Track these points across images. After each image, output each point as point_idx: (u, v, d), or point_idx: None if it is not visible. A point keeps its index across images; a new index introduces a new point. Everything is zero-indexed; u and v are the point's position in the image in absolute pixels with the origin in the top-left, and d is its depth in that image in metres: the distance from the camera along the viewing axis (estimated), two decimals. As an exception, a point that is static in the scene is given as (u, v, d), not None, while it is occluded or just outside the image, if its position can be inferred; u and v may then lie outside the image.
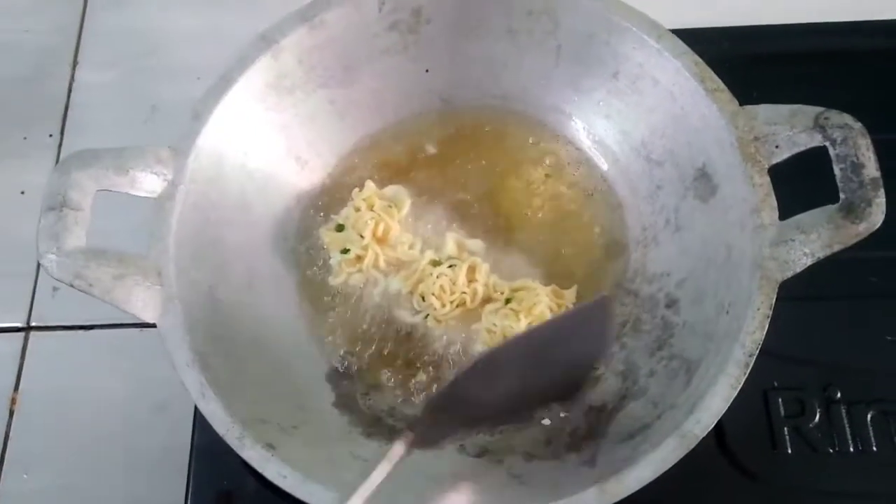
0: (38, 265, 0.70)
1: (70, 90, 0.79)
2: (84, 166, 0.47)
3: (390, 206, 0.55)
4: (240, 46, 0.55)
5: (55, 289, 0.69)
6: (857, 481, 0.53)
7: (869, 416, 0.54)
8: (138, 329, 0.67)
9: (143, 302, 0.46)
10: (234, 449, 0.44)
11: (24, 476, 0.62)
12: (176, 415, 0.61)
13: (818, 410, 0.55)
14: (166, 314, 0.46)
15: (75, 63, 0.81)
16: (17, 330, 0.67)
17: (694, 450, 0.43)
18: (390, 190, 0.57)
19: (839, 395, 0.55)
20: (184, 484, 0.56)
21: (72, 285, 0.45)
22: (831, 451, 0.54)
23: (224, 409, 0.44)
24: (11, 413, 0.64)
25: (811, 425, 0.54)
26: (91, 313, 0.67)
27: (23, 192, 0.73)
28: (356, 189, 0.57)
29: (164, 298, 0.46)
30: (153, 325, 0.65)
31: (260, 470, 0.43)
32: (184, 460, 0.57)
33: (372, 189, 0.56)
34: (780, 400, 0.55)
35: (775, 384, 0.55)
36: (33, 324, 0.68)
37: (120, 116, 0.75)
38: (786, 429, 0.54)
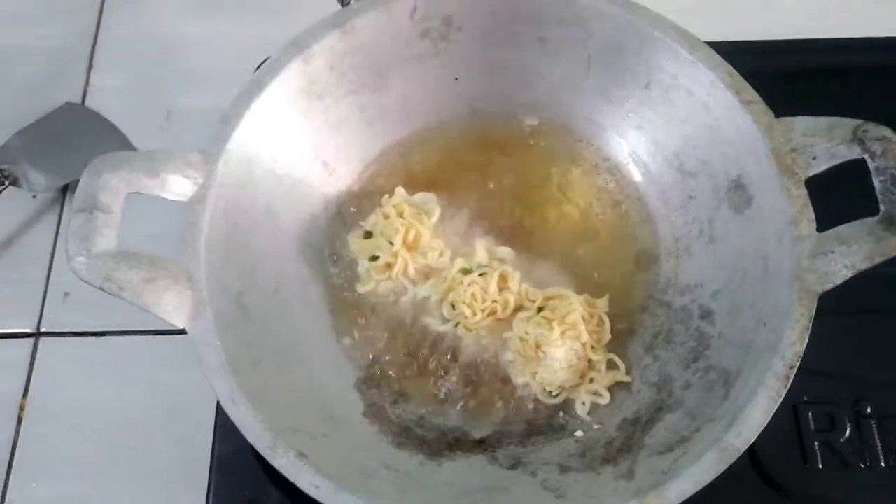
0: (49, 271, 0.70)
1: (85, 94, 0.78)
2: (115, 169, 0.47)
3: (420, 213, 0.55)
4: (271, 51, 0.55)
5: (66, 294, 0.68)
6: (888, 497, 0.53)
7: (900, 432, 0.54)
8: (151, 336, 0.66)
9: (173, 306, 0.45)
10: (266, 457, 0.43)
11: (33, 485, 0.61)
12: (189, 424, 0.60)
13: (849, 425, 0.54)
14: (197, 318, 0.45)
15: (90, 68, 0.80)
16: (27, 336, 0.66)
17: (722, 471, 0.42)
18: (420, 197, 0.57)
19: (869, 409, 0.55)
20: (197, 494, 0.55)
21: (102, 288, 0.45)
22: (862, 466, 0.53)
23: (255, 416, 0.43)
24: (20, 420, 0.63)
25: (842, 440, 0.54)
26: (103, 320, 0.66)
27: (34, 196, 0.72)
28: (386, 195, 0.57)
29: (195, 303, 0.46)
30: (166, 333, 0.66)
31: (292, 479, 0.42)
32: (197, 470, 0.57)
33: (402, 195, 0.56)
34: (810, 414, 0.55)
35: (805, 398, 0.55)
36: (43, 329, 0.67)
37: (135, 122, 0.74)
38: (816, 443, 0.54)
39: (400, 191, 0.57)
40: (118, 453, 0.61)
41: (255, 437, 0.43)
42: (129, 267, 0.45)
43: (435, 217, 0.56)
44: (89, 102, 0.78)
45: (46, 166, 0.71)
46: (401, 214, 0.54)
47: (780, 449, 0.53)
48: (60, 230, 0.71)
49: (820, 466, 0.53)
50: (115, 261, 0.45)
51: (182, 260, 0.47)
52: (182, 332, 0.64)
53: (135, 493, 0.60)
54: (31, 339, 0.66)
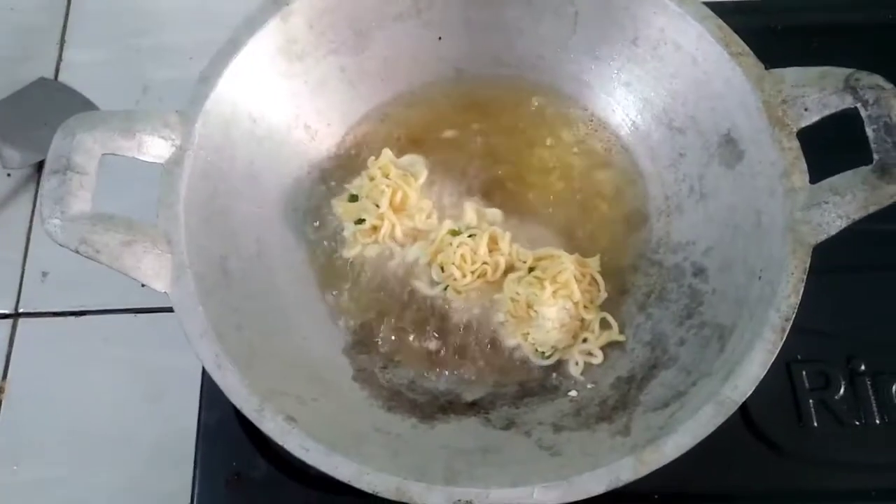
0: (26, 250, 0.68)
1: (58, 70, 0.77)
2: (89, 128, 0.45)
3: (406, 175, 0.54)
4: (249, 8, 0.53)
5: (44, 273, 0.67)
6: (884, 453, 0.52)
7: (894, 388, 0.54)
8: (132, 315, 0.65)
9: (153, 270, 0.44)
10: (254, 422, 0.42)
11: (14, 468, 0.59)
12: (173, 402, 0.60)
13: (843, 383, 0.54)
14: (178, 283, 0.44)
15: (63, 42, 0.78)
16: (5, 317, 0.65)
17: (719, 424, 0.41)
18: (407, 159, 0.56)
19: (863, 367, 0.55)
20: (184, 471, 0.54)
21: (77, 251, 0.43)
22: (857, 423, 0.53)
23: (241, 380, 0.42)
24: (-1, 402, 0.61)
25: (836, 398, 0.54)
26: (82, 299, 0.65)
27: (8, 175, 0.70)
28: (371, 158, 0.56)
29: (175, 266, 0.44)
30: (146, 311, 0.65)
31: (281, 443, 0.41)
32: (183, 448, 0.55)
33: (389, 157, 0.55)
34: (804, 373, 0.54)
35: (798, 357, 0.54)
36: (21, 310, 0.65)
37: (110, 97, 0.72)
38: (811, 401, 0.54)
39: (387, 152, 0.55)
40: (102, 433, 0.60)
41: (241, 402, 0.42)
42: (105, 229, 0.43)
43: (422, 179, 0.55)
44: (63, 77, 0.76)
45: (20, 142, 0.70)
46: (386, 176, 0.53)
47: (775, 408, 0.53)
48: (36, 208, 0.69)
49: (815, 424, 0.53)
50: (92, 223, 0.43)
51: (160, 223, 0.45)
52: (163, 309, 0.64)
53: (120, 472, 0.59)
54: (10, 321, 0.65)
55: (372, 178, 0.54)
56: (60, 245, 0.43)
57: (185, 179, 0.47)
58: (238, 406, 0.42)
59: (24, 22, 0.79)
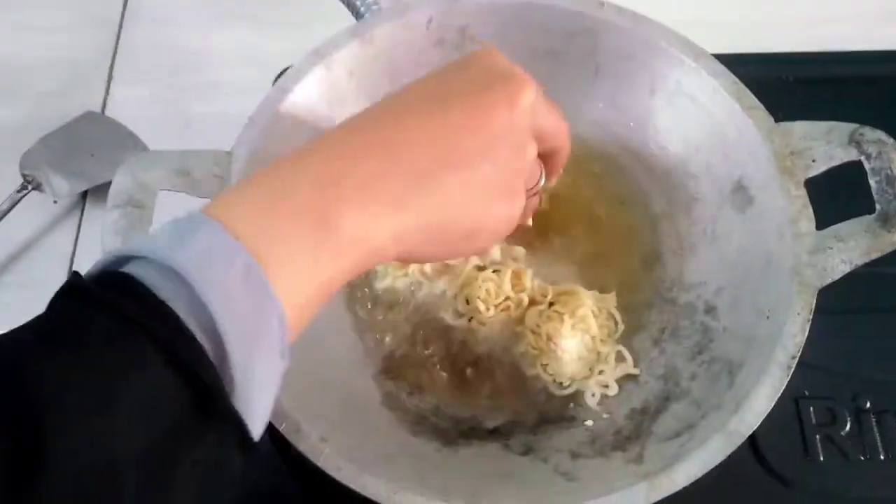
0: (70, 272, 0.71)
1: (105, 104, 0.81)
2: (148, 167, 0.49)
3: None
4: (288, 62, 0.57)
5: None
6: (888, 488, 0.54)
7: (898, 426, 0.56)
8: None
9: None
10: (291, 441, 0.44)
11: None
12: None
13: (849, 419, 0.56)
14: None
15: (110, 78, 0.82)
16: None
17: (729, 456, 0.44)
18: None
19: (868, 404, 0.57)
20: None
21: (136, 280, 0.46)
22: (862, 458, 0.55)
23: (281, 401, 0.45)
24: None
25: (842, 433, 0.56)
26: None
27: (55, 202, 0.74)
28: None
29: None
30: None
31: (315, 461, 0.44)
32: None
33: None
34: (811, 409, 0.57)
35: (806, 393, 0.57)
36: (64, 331, 0.68)
37: (155, 131, 0.76)
38: (818, 436, 0.56)
39: None
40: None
41: (279, 421, 0.45)
42: (161, 260, 0.47)
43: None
44: (109, 112, 0.80)
45: (68, 172, 0.74)
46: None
47: (783, 442, 0.55)
48: (80, 235, 0.73)
49: (821, 458, 0.55)
50: (149, 255, 0.46)
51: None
52: None
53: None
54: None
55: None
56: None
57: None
58: (278, 426, 0.45)
59: (74, 58, 0.83)
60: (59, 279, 0.69)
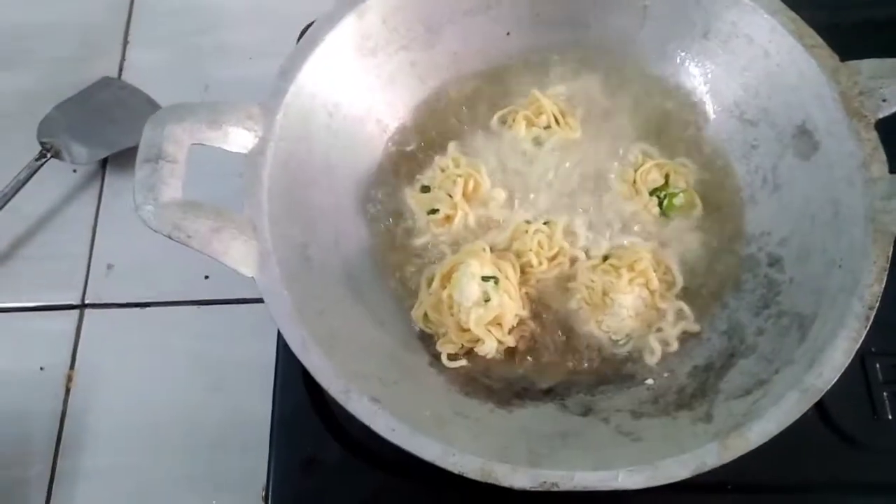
0: (92, 243, 0.69)
1: (121, 69, 0.78)
2: (178, 119, 0.46)
3: (477, 162, 0.55)
4: (314, 16, 0.54)
5: (109, 266, 0.69)
6: (961, 446, 0.52)
7: (971, 381, 0.53)
8: (195, 306, 0.66)
9: (240, 255, 0.45)
10: (341, 402, 0.42)
11: (83, 455, 0.61)
12: (234, 392, 0.61)
13: (918, 376, 0.53)
14: (264, 269, 0.45)
15: (126, 42, 0.80)
16: (72, 307, 0.66)
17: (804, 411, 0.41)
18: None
19: (938, 360, 0.54)
20: (252, 459, 0.55)
21: (170, 236, 0.44)
22: (932, 416, 0.52)
23: (328, 361, 0.43)
24: (68, 391, 0.63)
25: (911, 391, 0.53)
26: (146, 291, 0.66)
27: (74, 171, 0.72)
28: (437, 156, 0.56)
29: (261, 253, 0.45)
30: (209, 303, 0.66)
31: (368, 423, 0.42)
32: (244, 435, 0.57)
33: (453, 151, 0.55)
34: (877, 365, 0.54)
35: (873, 349, 0.54)
36: (88, 301, 0.67)
37: (172, 95, 0.73)
38: (885, 394, 0.53)
39: (452, 147, 0.56)
40: (169, 422, 0.61)
41: (329, 383, 0.42)
42: (196, 216, 0.45)
43: (491, 165, 0.55)
44: (126, 77, 0.78)
45: (86, 139, 0.71)
46: (457, 166, 0.54)
47: (849, 400, 0.52)
48: (102, 203, 0.71)
49: (889, 417, 0.52)
50: (183, 210, 0.44)
51: (246, 210, 0.46)
52: (227, 301, 0.65)
53: (186, 460, 0.60)
54: (76, 311, 0.66)
55: (443, 169, 0.54)
56: (154, 231, 0.44)
57: (267, 169, 0.48)
58: (325, 387, 0.42)
59: (88, 23, 0.81)
60: (81, 250, 0.69)
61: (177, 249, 0.45)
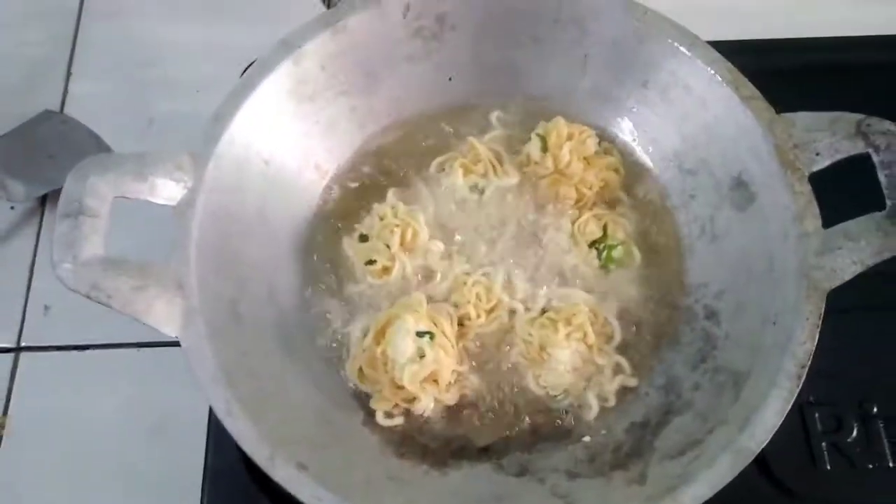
0: (30, 283, 0.68)
1: (63, 102, 0.77)
2: (102, 172, 0.45)
3: (415, 211, 0.54)
4: (254, 58, 0.53)
5: (47, 307, 0.67)
6: (897, 497, 0.52)
7: (907, 431, 0.53)
8: (134, 349, 0.64)
9: (164, 314, 0.44)
10: (265, 470, 0.41)
11: (14, 504, 0.58)
12: (177, 438, 0.59)
13: (855, 426, 0.54)
14: (189, 327, 0.44)
15: (69, 75, 0.78)
16: (7, 350, 0.64)
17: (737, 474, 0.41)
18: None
19: (875, 409, 0.54)
20: (184, 509, 0.53)
21: (88, 296, 0.43)
22: (870, 466, 0.53)
23: (252, 427, 0.42)
24: (0, 438, 0.61)
25: (849, 440, 0.54)
26: (85, 333, 0.65)
27: (12, 208, 0.70)
28: (376, 204, 0.56)
29: (185, 311, 0.44)
30: (149, 345, 0.64)
31: (293, 492, 0.41)
32: (187, 485, 0.54)
33: (392, 200, 0.55)
34: (816, 415, 0.54)
35: (811, 399, 0.54)
36: (24, 344, 0.65)
37: (116, 129, 0.73)
38: (824, 444, 0.53)
39: (390, 195, 0.56)
40: (105, 472, 0.59)
41: (252, 449, 0.41)
42: (117, 274, 0.43)
43: (430, 212, 0.55)
44: (68, 110, 0.76)
45: (25, 175, 0.70)
46: (395, 214, 0.53)
47: (788, 450, 0.52)
48: (40, 242, 0.69)
49: (828, 467, 0.53)
50: (103, 268, 0.43)
51: (171, 267, 0.45)
52: (166, 344, 0.62)
53: (122, 510, 0.57)
54: (12, 354, 0.64)
55: (382, 218, 0.54)
56: (71, 290, 0.43)
57: (196, 222, 0.47)
58: (249, 454, 0.41)
59: (30, 55, 0.79)
60: (18, 290, 0.67)
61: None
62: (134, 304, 0.43)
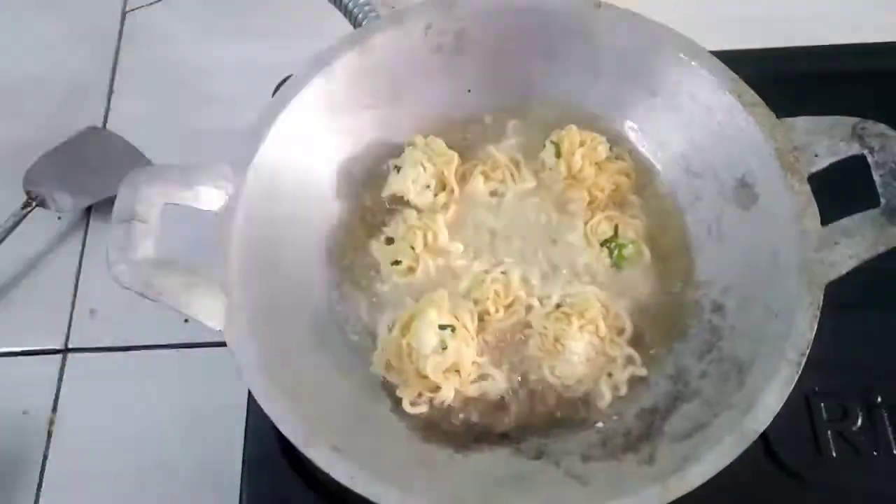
0: (76, 288, 0.71)
1: (106, 119, 0.81)
2: (151, 181, 0.49)
3: (435, 214, 0.57)
4: (292, 68, 0.57)
5: (92, 311, 0.70)
6: (901, 483, 0.54)
7: (910, 419, 0.55)
8: (176, 349, 0.67)
9: (209, 310, 0.48)
10: (302, 451, 0.45)
11: (63, 498, 0.62)
12: (214, 436, 0.62)
13: (860, 414, 0.56)
14: (231, 322, 0.48)
15: (111, 93, 0.82)
16: (55, 352, 0.68)
17: (741, 454, 0.44)
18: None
19: (880, 399, 0.56)
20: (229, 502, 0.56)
21: (142, 294, 0.47)
22: (875, 453, 0.55)
23: (291, 411, 0.45)
24: (49, 434, 0.64)
25: (854, 429, 0.55)
26: (129, 335, 0.68)
27: (59, 218, 0.74)
28: (403, 210, 0.59)
29: (229, 307, 0.48)
30: (191, 346, 0.67)
31: (328, 471, 0.44)
32: (227, 480, 0.57)
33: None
34: (822, 405, 0.56)
35: (817, 389, 0.56)
36: (71, 346, 0.68)
37: (155, 144, 0.76)
38: (829, 432, 0.55)
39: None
40: (147, 466, 0.62)
41: (291, 432, 0.45)
42: (167, 273, 0.47)
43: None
44: (111, 126, 0.80)
45: (71, 188, 0.74)
46: (419, 219, 0.56)
47: (794, 438, 0.55)
48: (86, 249, 0.73)
49: (833, 454, 0.55)
50: (154, 268, 0.47)
51: (215, 267, 0.49)
52: (206, 344, 0.67)
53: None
54: (59, 356, 0.68)
55: (406, 222, 0.57)
56: (126, 288, 0.47)
57: (237, 226, 0.50)
58: (288, 436, 0.45)
59: (74, 74, 0.83)
60: (65, 296, 0.71)
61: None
62: (182, 300, 0.47)
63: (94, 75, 0.83)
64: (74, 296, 0.70)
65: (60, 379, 0.67)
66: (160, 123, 0.79)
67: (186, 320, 0.67)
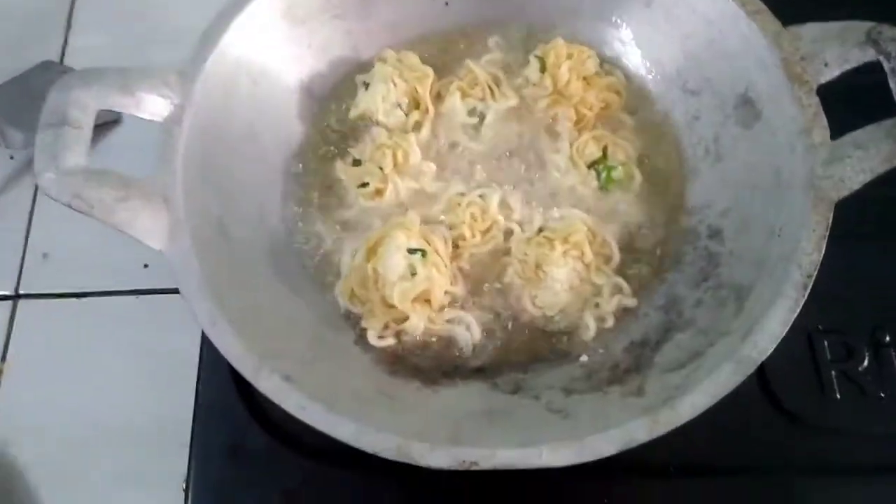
0: (28, 231, 0.67)
1: (63, 53, 0.76)
2: (86, 85, 0.44)
3: (406, 134, 0.53)
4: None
5: (45, 255, 0.66)
6: (909, 425, 0.50)
7: (922, 360, 0.51)
8: (133, 296, 0.64)
9: (149, 226, 0.43)
10: (249, 380, 0.40)
11: (13, 450, 0.58)
12: (172, 383, 0.58)
13: (867, 354, 0.52)
14: (174, 239, 0.43)
15: (69, 27, 0.78)
16: (6, 298, 0.64)
17: (738, 393, 0.40)
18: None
19: (888, 338, 0.52)
20: (183, 453, 0.53)
21: (70, 206, 0.42)
22: (882, 395, 0.51)
23: (237, 337, 0.41)
24: (-1, 383, 0.60)
25: (860, 369, 0.52)
26: (83, 281, 0.64)
27: (11, 157, 0.70)
28: (371, 128, 0.54)
29: (171, 223, 0.43)
30: (147, 293, 0.64)
31: (278, 402, 0.40)
32: (182, 429, 0.54)
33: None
34: (825, 343, 0.52)
35: (820, 327, 0.52)
36: (22, 291, 0.64)
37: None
38: (833, 373, 0.51)
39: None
40: (102, 414, 0.59)
41: (237, 360, 0.40)
42: (100, 184, 0.42)
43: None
44: (68, 61, 0.75)
45: (24, 124, 0.69)
46: (390, 137, 0.51)
47: (795, 379, 0.51)
48: (39, 190, 0.68)
49: (837, 396, 0.51)
50: (86, 178, 0.42)
51: (157, 180, 0.44)
52: (164, 291, 0.63)
53: (120, 453, 0.57)
54: (10, 302, 0.64)
55: (375, 142, 0.52)
56: (53, 199, 0.42)
57: (183, 137, 0.46)
58: (234, 364, 0.40)
59: (31, 7, 0.79)
60: (16, 238, 0.67)
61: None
62: (117, 214, 0.42)
63: (52, 7, 0.78)
64: (26, 239, 0.67)
65: (11, 325, 0.63)
66: (120, 59, 0.73)
67: (146, 265, 0.65)
